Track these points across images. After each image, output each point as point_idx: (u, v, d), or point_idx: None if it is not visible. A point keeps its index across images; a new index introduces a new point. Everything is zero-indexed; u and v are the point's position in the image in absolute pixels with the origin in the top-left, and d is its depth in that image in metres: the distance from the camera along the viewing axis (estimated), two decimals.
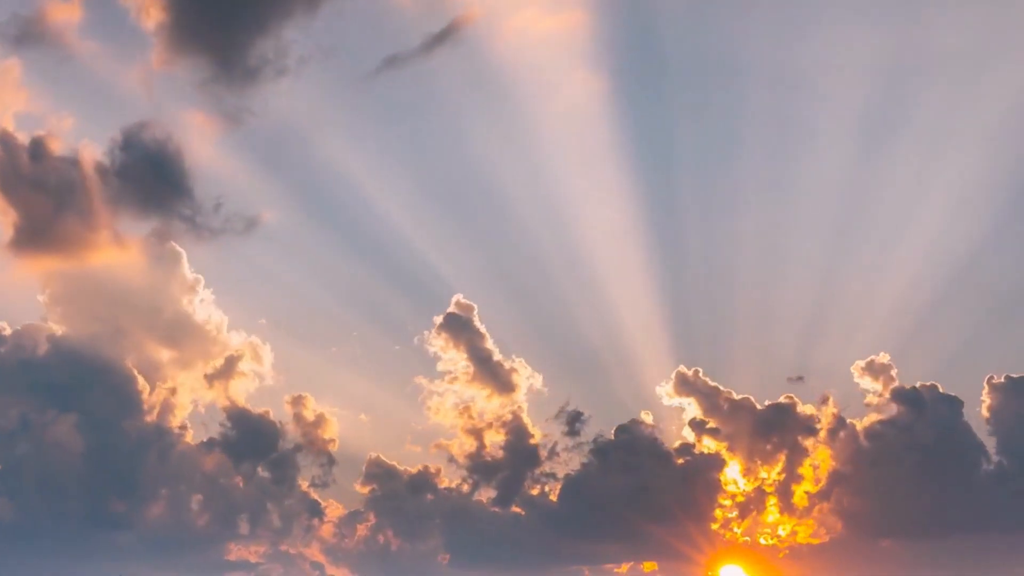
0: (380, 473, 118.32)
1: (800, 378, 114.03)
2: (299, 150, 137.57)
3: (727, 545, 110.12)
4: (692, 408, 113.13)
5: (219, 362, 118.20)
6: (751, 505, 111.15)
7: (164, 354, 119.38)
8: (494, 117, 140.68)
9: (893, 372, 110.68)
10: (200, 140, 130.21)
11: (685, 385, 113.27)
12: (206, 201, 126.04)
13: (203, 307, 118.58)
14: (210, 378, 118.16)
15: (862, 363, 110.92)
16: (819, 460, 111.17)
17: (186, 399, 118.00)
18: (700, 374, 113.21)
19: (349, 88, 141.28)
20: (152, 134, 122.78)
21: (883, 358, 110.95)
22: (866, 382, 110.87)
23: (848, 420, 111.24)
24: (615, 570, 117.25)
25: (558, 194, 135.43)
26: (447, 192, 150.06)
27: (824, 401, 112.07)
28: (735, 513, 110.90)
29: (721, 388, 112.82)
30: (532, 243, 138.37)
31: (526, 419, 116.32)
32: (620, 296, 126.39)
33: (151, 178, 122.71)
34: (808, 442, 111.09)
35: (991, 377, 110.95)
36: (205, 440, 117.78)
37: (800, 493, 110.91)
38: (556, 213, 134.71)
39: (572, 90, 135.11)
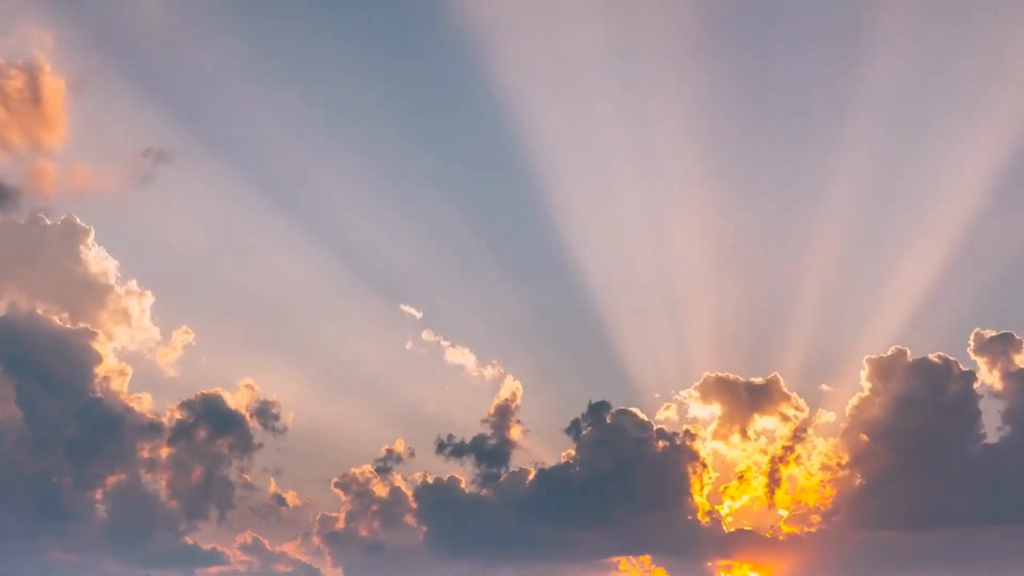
0: (342, 456, 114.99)
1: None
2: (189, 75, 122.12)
3: (722, 535, 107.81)
4: (685, 396, 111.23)
5: (146, 339, 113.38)
6: (742, 491, 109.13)
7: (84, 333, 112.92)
8: None
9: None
10: (66, 61, 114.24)
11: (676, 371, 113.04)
12: (91, 145, 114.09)
13: (107, 273, 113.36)
14: (140, 356, 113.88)
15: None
16: (814, 448, 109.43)
17: (123, 379, 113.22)
18: (695, 359, 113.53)
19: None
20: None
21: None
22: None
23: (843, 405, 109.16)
24: (606, 561, 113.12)
25: (508, 141, 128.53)
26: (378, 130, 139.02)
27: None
28: (730, 503, 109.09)
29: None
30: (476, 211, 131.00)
31: (498, 403, 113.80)
32: (610, 281, 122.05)
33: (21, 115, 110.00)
34: (798, 425, 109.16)
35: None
36: (148, 424, 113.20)
37: (801, 478, 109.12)
38: (511, 167, 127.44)
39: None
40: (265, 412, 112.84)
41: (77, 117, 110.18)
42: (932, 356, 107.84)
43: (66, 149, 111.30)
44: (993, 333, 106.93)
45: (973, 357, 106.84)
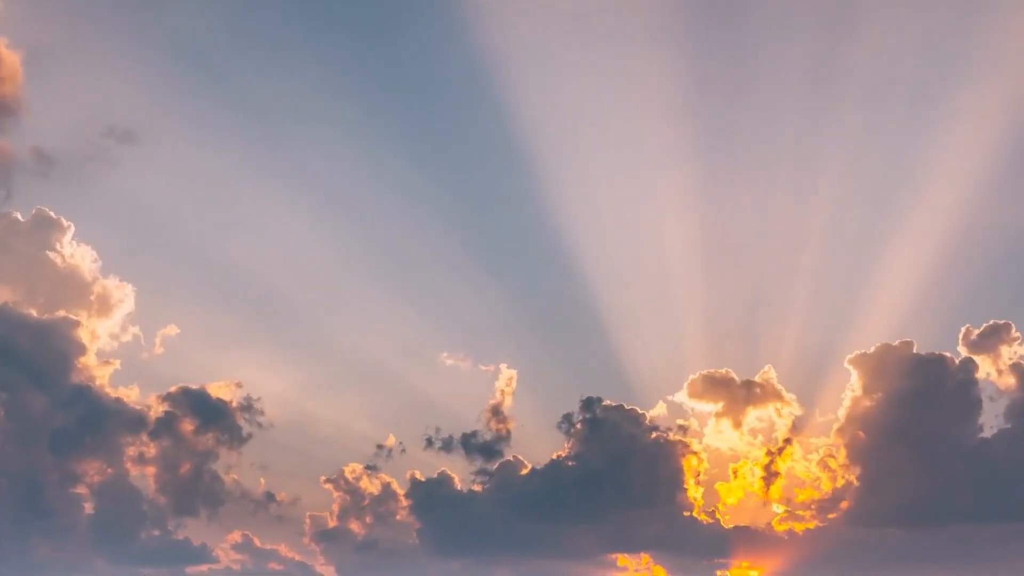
0: (333, 453, 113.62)
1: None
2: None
3: (719, 531, 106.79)
4: (680, 392, 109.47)
5: (128, 332, 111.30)
6: (738, 487, 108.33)
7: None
8: None
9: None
10: (21, 32, 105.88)
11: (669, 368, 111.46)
12: (51, 124, 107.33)
13: (83, 262, 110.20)
14: (122, 350, 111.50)
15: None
16: (810, 445, 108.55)
17: (106, 371, 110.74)
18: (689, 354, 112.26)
19: None
20: None
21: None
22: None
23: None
24: (604, 558, 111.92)
25: (502, 136, 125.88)
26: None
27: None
28: (726, 499, 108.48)
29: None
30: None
31: (492, 399, 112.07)
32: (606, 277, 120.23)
33: None
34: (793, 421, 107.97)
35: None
36: (135, 418, 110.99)
37: (798, 473, 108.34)
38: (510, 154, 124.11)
39: None
40: (250, 407, 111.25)
41: (35, 94, 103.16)
42: (920, 350, 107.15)
43: (25, 129, 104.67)
44: (984, 327, 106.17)
45: (966, 354, 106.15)
